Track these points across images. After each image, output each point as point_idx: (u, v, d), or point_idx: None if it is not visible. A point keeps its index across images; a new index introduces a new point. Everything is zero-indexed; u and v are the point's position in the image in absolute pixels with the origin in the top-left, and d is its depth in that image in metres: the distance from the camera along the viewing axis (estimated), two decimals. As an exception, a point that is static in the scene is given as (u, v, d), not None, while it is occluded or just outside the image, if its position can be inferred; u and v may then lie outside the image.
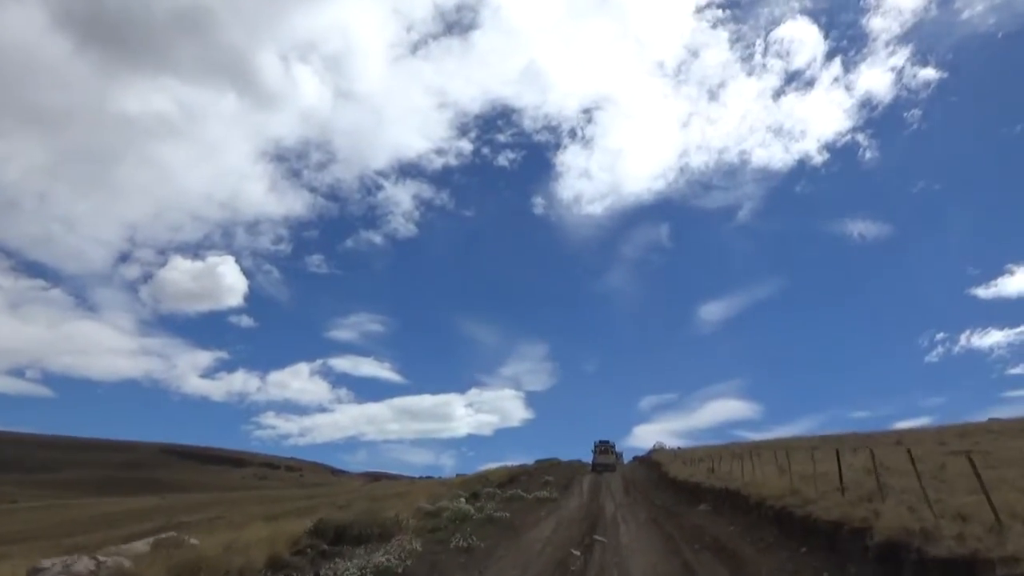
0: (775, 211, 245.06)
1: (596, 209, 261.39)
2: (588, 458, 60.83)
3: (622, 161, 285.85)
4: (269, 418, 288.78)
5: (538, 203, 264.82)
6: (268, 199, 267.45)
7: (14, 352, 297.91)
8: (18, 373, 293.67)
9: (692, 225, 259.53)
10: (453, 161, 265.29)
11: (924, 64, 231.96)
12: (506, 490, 36.04)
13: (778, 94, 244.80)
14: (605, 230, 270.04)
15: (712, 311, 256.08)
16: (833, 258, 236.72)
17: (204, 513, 56.05)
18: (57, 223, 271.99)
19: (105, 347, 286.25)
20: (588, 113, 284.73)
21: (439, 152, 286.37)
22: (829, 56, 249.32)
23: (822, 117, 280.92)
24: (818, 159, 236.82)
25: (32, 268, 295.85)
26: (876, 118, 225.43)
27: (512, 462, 58.95)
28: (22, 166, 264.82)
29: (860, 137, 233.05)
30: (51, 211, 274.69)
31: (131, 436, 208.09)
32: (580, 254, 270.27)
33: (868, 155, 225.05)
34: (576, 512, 25.61)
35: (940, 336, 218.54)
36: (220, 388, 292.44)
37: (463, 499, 26.79)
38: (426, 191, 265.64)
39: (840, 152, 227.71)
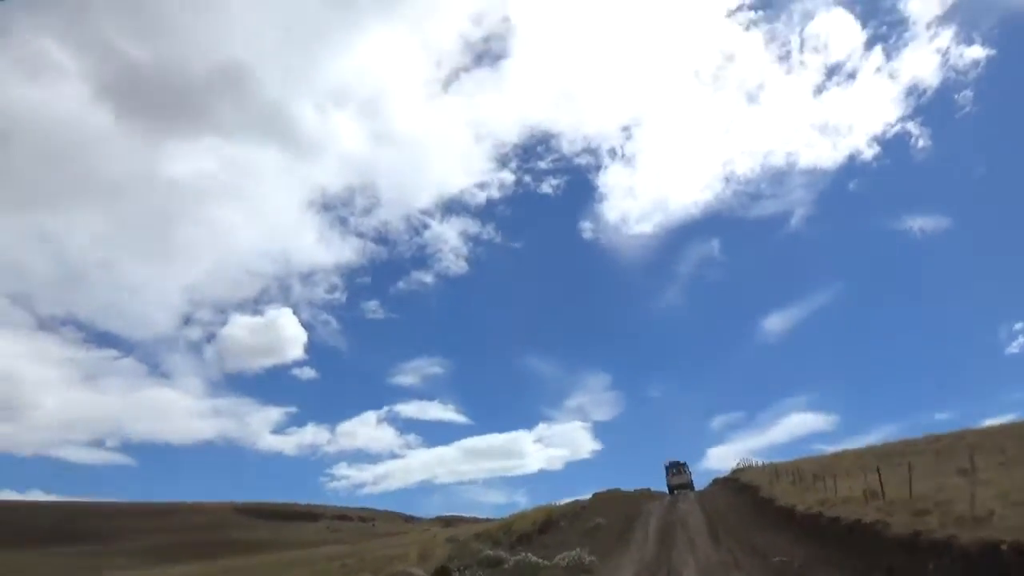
0: (828, 213, 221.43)
1: (645, 228, 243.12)
2: (656, 486, 52.45)
3: (666, 175, 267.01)
4: (342, 469, 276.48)
5: (586, 227, 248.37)
6: (318, 249, 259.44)
7: (93, 422, 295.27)
8: (98, 443, 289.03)
9: (743, 236, 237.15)
10: (496, 193, 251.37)
11: (970, 42, 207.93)
12: (525, 547, 21.82)
13: (819, 90, 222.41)
14: (655, 249, 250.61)
15: (774, 322, 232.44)
16: (893, 256, 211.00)
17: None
18: (122, 291, 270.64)
19: (179, 411, 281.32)
20: (627, 130, 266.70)
21: (481, 186, 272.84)
22: (869, 45, 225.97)
23: (868, 109, 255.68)
24: (868, 153, 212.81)
25: (103, 338, 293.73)
26: (925, 104, 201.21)
27: (583, 495, 45.45)
28: (83, 238, 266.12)
29: (910, 126, 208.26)
30: (115, 280, 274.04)
31: (210, 497, 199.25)
32: (633, 276, 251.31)
33: (921, 143, 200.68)
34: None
35: (1020, 326, 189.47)
36: (292, 443, 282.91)
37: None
38: (472, 226, 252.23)
39: (891, 144, 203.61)
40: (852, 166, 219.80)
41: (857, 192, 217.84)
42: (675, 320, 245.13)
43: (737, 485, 38.37)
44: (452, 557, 20.62)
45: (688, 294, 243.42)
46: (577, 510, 35.02)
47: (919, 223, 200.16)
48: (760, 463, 43.68)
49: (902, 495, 13.85)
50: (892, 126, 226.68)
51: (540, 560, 17.19)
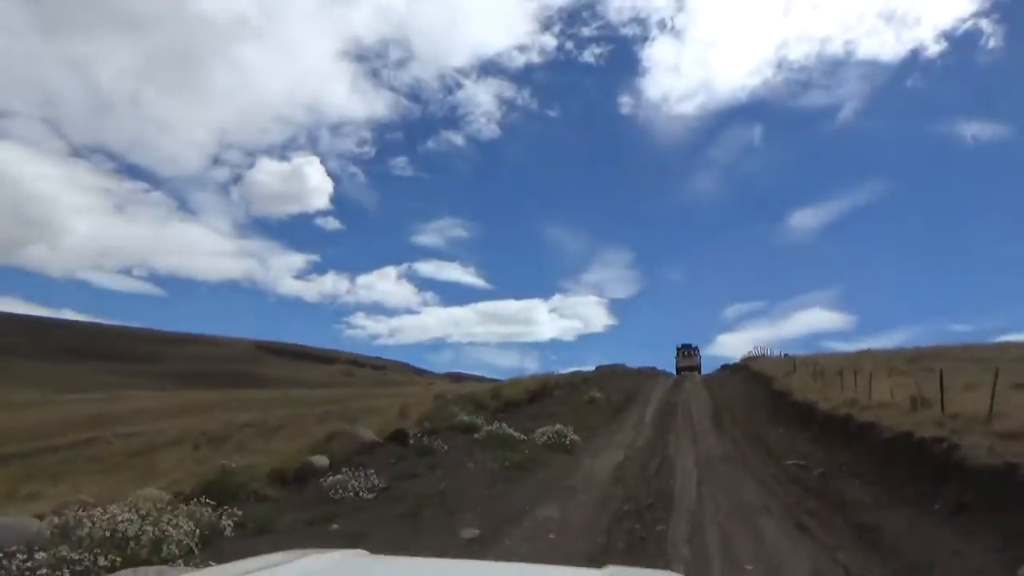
0: (880, 110, 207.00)
1: (686, 108, 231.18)
2: (663, 366, 50.90)
3: (715, 55, 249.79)
4: (359, 318, 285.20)
5: (625, 102, 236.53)
6: (351, 100, 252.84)
7: (123, 251, 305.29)
8: (127, 271, 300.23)
9: (787, 126, 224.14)
10: (536, 58, 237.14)
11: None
12: (509, 415, 19.72)
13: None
14: (694, 131, 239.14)
15: (805, 218, 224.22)
16: (941, 161, 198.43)
17: (178, 420, 42.52)
18: (151, 125, 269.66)
19: (205, 248, 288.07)
20: (680, 0, 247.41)
21: (521, 49, 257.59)
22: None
23: (941, 1, 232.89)
24: (933, 49, 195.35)
25: (133, 171, 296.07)
26: (1004, 1, 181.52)
27: (588, 367, 43.75)
28: (113, 69, 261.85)
29: (984, 23, 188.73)
30: (144, 113, 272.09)
31: (231, 332, 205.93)
32: (668, 156, 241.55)
33: (991, 44, 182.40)
34: (583, 528, 8.34)
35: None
36: (312, 289, 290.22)
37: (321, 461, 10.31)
38: (508, 90, 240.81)
39: (959, 41, 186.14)
40: (914, 62, 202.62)
41: (915, 90, 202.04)
42: (704, 206, 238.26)
43: (748, 373, 36.02)
44: (426, 419, 18.48)
45: (722, 181, 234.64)
46: (577, 381, 33.01)
47: (973, 129, 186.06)
48: (777, 353, 41.06)
49: (970, 409, 10.86)
50: (964, 21, 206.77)
51: (516, 433, 14.77)
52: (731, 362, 52.67)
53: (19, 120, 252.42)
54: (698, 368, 49.47)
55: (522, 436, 14.81)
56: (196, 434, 26.23)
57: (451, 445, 13.53)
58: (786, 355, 37.54)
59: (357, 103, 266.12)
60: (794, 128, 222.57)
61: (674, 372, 47.79)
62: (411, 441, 12.99)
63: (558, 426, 15.99)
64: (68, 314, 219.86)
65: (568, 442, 14.51)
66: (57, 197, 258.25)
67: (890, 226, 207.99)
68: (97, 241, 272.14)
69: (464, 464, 11.63)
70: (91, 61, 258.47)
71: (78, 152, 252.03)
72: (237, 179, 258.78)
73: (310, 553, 1.81)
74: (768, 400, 24.65)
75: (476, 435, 14.83)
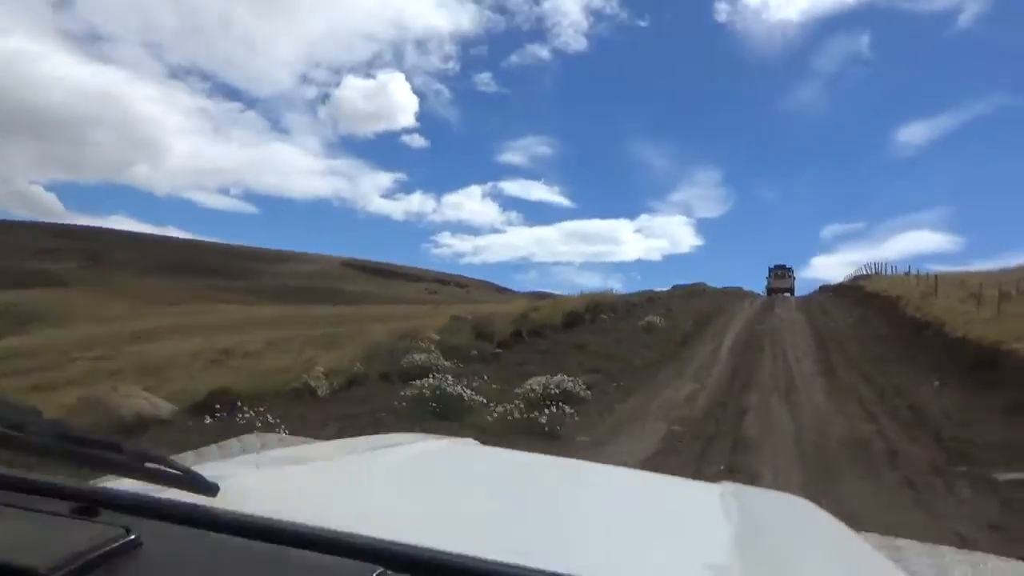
0: (1006, 12, 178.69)
1: (788, 13, 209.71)
2: (752, 287, 45.93)
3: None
4: (445, 237, 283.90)
5: (721, 8, 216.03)
6: (436, 14, 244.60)
7: (221, 171, 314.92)
8: (224, 190, 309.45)
9: (899, 33, 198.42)
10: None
11: None
12: (510, 351, 13.40)
13: None
14: (796, 40, 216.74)
15: (915, 132, 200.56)
16: None
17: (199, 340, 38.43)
18: (241, 46, 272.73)
19: (298, 167, 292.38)
20: None
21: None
22: None
23: None
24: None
25: (226, 90, 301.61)
26: None
27: (668, 287, 37.74)
28: None
29: None
30: (233, 33, 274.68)
31: (321, 249, 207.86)
32: (766, 68, 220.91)
33: None
34: None
35: None
36: (400, 208, 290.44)
37: None
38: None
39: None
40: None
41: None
42: (804, 120, 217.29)
43: (860, 295, 27.80)
44: (373, 356, 12.19)
45: (823, 93, 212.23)
46: (639, 302, 25.95)
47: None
48: (896, 272, 32.25)
49: None
50: None
51: (467, 393, 8.14)
52: (830, 283, 45.12)
53: (121, 45, 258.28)
54: (791, 290, 43.73)
55: (481, 399, 8.22)
56: (186, 355, 21.37)
57: (324, 419, 7.16)
58: (913, 273, 28.79)
59: (442, 16, 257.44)
60: (907, 35, 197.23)
61: (763, 293, 41.37)
62: (221, 415, 6.61)
63: (559, 376, 9.31)
64: (172, 231, 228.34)
65: (555, 418, 7.67)
66: (159, 118, 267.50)
67: (1008, 141, 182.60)
68: (197, 161, 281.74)
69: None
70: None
71: (175, 74, 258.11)
72: (325, 97, 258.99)
73: (424, 437, 1.86)
74: (899, 332, 16.93)
75: (404, 392, 8.35)
